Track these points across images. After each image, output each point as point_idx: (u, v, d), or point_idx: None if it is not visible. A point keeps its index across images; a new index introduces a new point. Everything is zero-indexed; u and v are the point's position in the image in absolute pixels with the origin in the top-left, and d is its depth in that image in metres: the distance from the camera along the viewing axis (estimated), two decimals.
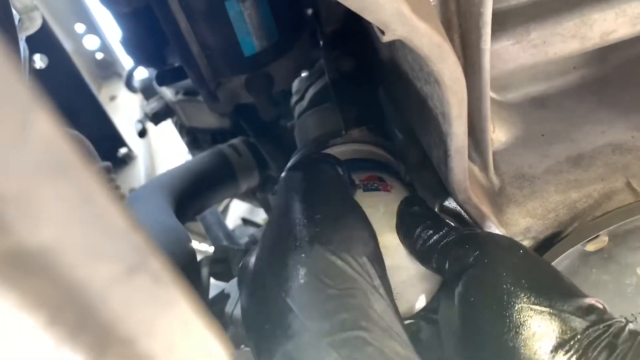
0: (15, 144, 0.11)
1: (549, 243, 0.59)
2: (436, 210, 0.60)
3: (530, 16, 0.56)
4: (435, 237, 0.49)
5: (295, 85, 0.91)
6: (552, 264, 0.59)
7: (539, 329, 0.42)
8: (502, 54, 0.56)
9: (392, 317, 0.39)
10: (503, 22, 0.56)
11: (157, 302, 0.16)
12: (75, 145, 0.12)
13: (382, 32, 0.36)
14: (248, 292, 0.46)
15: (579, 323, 0.42)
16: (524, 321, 0.42)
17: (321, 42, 0.76)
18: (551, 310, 0.42)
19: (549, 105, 0.66)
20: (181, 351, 0.18)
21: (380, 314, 0.39)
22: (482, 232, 0.53)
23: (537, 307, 0.42)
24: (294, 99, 0.90)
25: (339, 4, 0.63)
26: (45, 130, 0.11)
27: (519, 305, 0.42)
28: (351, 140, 0.67)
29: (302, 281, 0.40)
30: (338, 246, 0.41)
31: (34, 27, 0.81)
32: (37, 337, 0.15)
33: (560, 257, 0.59)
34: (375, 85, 0.70)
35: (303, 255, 0.41)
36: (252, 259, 0.47)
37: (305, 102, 0.86)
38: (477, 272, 0.45)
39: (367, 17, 0.35)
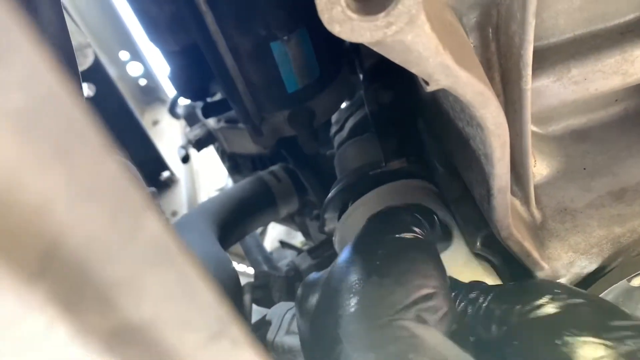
0: (128, 240, 0.13)
1: (593, 278, 0.59)
2: (478, 244, 0.60)
3: (570, 54, 0.56)
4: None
5: (335, 115, 0.93)
6: None
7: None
8: (543, 91, 0.57)
9: (449, 349, 0.39)
10: (543, 60, 0.56)
11: None
12: (178, 238, 0.14)
13: (426, 83, 0.38)
14: (307, 322, 0.47)
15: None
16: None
17: (360, 75, 0.78)
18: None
19: (591, 138, 0.66)
20: None
21: (434, 346, 0.39)
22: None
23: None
24: (334, 129, 0.92)
25: None
26: (153, 229, 0.13)
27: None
28: (393, 174, 0.69)
29: (352, 310, 0.41)
30: (395, 278, 0.42)
31: (87, 63, 0.86)
32: None
33: (604, 292, 0.59)
34: (415, 117, 0.71)
35: (357, 284, 0.42)
36: (313, 292, 0.49)
37: (345, 133, 0.87)
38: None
39: (412, 69, 0.37)
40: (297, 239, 1.64)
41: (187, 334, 0.16)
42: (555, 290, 0.46)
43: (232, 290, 0.79)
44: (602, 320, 0.43)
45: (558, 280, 0.59)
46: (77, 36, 0.87)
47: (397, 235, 0.47)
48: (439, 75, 0.37)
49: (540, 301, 0.45)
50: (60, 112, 0.11)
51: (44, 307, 0.13)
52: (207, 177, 1.72)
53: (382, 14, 0.33)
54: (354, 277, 0.43)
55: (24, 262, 0.12)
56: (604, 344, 0.40)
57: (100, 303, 0.14)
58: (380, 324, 0.39)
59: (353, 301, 0.41)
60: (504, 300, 0.46)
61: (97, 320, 0.14)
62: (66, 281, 0.13)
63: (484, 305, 0.47)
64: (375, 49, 0.35)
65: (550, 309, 0.44)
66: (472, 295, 0.48)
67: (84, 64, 0.83)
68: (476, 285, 0.50)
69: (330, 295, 0.45)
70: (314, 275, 0.55)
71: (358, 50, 0.74)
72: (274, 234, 1.70)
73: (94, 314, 0.14)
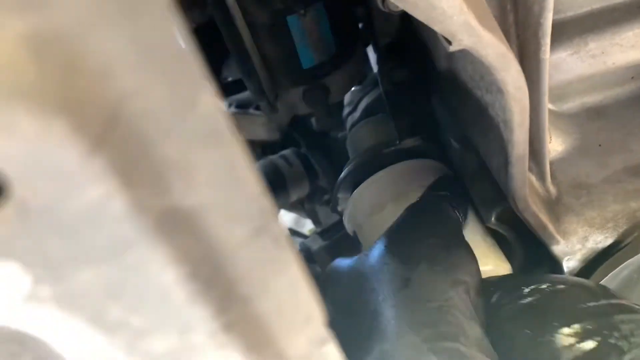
0: (183, 116, 0.14)
1: (608, 253, 0.59)
2: (493, 218, 0.61)
3: (588, 27, 0.56)
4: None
5: (347, 97, 0.93)
6: (611, 274, 0.59)
7: None
8: (560, 64, 0.57)
9: (486, 345, 0.41)
10: (560, 33, 0.57)
11: (274, 263, 0.18)
12: (228, 118, 0.14)
13: (449, 42, 0.38)
14: (338, 297, 0.48)
15: None
16: None
17: (375, 55, 0.78)
18: None
19: (606, 115, 0.66)
20: (287, 314, 0.20)
21: (476, 338, 0.40)
22: None
23: None
24: (346, 110, 0.92)
25: (393, 17, 0.65)
26: (209, 106, 0.14)
27: None
28: (407, 151, 0.69)
29: (404, 291, 0.42)
30: (445, 268, 0.43)
31: None
32: (173, 291, 0.17)
33: (619, 267, 0.59)
34: (429, 95, 0.72)
35: (408, 269, 0.43)
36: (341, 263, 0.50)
37: (357, 114, 0.88)
38: None
39: (435, 27, 0.37)
40: (306, 227, 1.64)
41: (232, 226, 0.16)
42: (541, 280, 0.47)
43: None
44: (575, 305, 0.44)
45: (572, 254, 0.59)
46: None
47: (443, 226, 0.50)
48: (462, 34, 0.37)
49: (524, 291, 0.46)
50: None
51: (104, 176, 0.13)
52: None
53: None
54: (399, 265, 0.44)
55: (91, 124, 0.12)
56: (574, 332, 0.42)
57: (153, 181, 0.14)
58: (432, 306, 0.40)
59: (404, 282, 0.43)
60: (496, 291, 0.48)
61: (149, 199, 0.14)
62: (125, 153, 0.13)
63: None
64: (400, 5, 0.35)
65: (529, 299, 0.46)
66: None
67: None
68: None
69: (367, 282, 0.46)
70: (341, 262, 0.56)
71: (373, 30, 0.74)
72: (283, 221, 1.70)
73: (147, 192, 0.14)
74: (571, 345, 0.40)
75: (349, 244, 1.01)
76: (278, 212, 1.63)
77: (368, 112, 0.85)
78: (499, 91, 0.43)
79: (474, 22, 0.37)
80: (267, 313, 0.20)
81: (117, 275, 0.16)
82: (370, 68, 0.92)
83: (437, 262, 0.44)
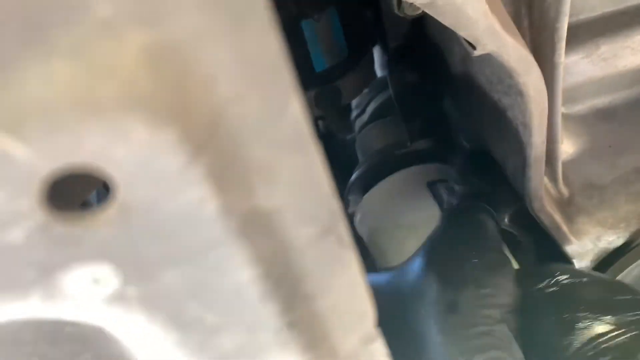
0: (274, 122, 0.14)
1: (620, 252, 0.60)
2: (506, 219, 0.61)
3: (599, 30, 0.57)
4: None
5: (355, 100, 0.94)
6: (623, 272, 0.60)
7: None
8: (572, 67, 0.58)
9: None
10: (572, 37, 0.57)
11: (337, 263, 0.19)
12: (311, 125, 0.15)
13: (473, 47, 0.39)
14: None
15: None
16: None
17: (386, 57, 0.79)
18: None
19: (616, 117, 0.67)
20: (343, 311, 0.20)
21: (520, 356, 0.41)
22: None
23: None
24: (355, 113, 0.93)
25: (404, 20, 0.65)
26: (297, 113, 0.14)
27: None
28: (418, 153, 0.70)
29: (451, 316, 0.43)
30: (491, 291, 0.44)
31: None
32: (246, 290, 0.18)
33: (631, 266, 0.60)
34: (440, 98, 0.72)
35: (454, 292, 0.44)
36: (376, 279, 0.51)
37: (366, 116, 0.88)
38: None
39: (461, 32, 0.38)
40: None
41: (304, 226, 0.17)
42: (561, 271, 0.48)
43: None
44: (605, 297, 0.45)
45: (585, 254, 0.60)
46: None
47: (485, 241, 0.50)
48: (487, 39, 0.38)
49: (546, 282, 0.47)
50: None
51: (201, 181, 0.14)
52: None
53: None
54: (444, 287, 0.45)
55: (195, 132, 0.13)
56: (607, 322, 0.42)
57: (241, 184, 0.15)
58: (480, 331, 0.41)
59: (451, 306, 0.43)
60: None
61: (237, 201, 0.15)
62: (221, 157, 0.14)
63: None
64: (428, 11, 0.36)
65: (554, 287, 0.46)
66: None
67: None
68: None
69: (409, 303, 0.46)
70: (375, 278, 0.56)
71: (383, 32, 0.75)
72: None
73: (235, 194, 0.15)
74: (606, 336, 0.41)
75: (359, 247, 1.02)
76: None
77: (377, 115, 0.86)
78: (519, 94, 0.44)
79: (498, 27, 0.38)
80: (326, 311, 0.20)
81: (198, 275, 0.16)
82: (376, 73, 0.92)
83: (482, 284, 0.45)
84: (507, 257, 0.50)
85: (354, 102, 0.95)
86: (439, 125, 0.72)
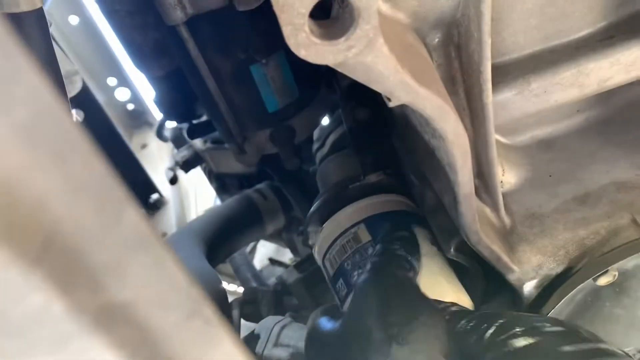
0: (112, 228, 0.16)
1: (561, 279, 0.62)
2: (452, 250, 0.64)
3: (530, 68, 0.60)
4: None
5: (316, 133, 0.96)
6: (565, 298, 0.62)
7: None
8: (506, 103, 0.60)
9: None
10: (505, 74, 0.60)
11: (208, 341, 0.20)
12: (153, 227, 0.17)
13: (389, 99, 0.41)
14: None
15: None
16: None
17: (338, 94, 0.81)
18: None
19: (556, 146, 0.70)
20: None
21: None
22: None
23: None
24: (315, 145, 0.95)
25: None
26: (133, 218, 0.16)
27: None
28: (371, 186, 0.72)
29: None
30: (415, 346, 0.46)
31: (75, 89, 0.89)
32: None
33: (573, 291, 0.62)
34: (390, 132, 0.75)
35: (382, 356, 0.46)
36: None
37: (326, 149, 0.91)
38: None
39: (374, 87, 0.40)
40: (287, 256, 1.66)
41: (165, 313, 0.19)
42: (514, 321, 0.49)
43: (220, 306, 0.81)
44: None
45: (528, 282, 0.62)
46: (65, 64, 0.90)
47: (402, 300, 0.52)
48: (400, 92, 0.41)
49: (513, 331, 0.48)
50: (57, 123, 0.14)
51: (42, 287, 0.16)
52: (195, 199, 1.75)
53: (343, 39, 0.36)
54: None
55: (27, 249, 0.15)
56: None
57: (89, 284, 0.17)
58: None
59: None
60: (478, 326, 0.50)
61: (87, 299, 0.17)
62: (61, 265, 0.16)
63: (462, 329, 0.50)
64: (339, 69, 0.39)
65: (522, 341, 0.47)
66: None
67: (72, 90, 0.86)
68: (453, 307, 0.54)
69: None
70: (324, 325, 0.58)
71: (334, 71, 0.78)
72: (264, 251, 1.72)
73: (84, 294, 0.17)
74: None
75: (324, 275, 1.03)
76: (256, 243, 1.66)
77: (336, 147, 0.89)
78: (441, 138, 0.46)
79: (409, 81, 0.40)
80: None
81: None
82: (337, 105, 0.95)
83: (406, 339, 0.47)
84: (422, 310, 0.52)
85: (315, 135, 0.97)
86: (389, 160, 0.75)
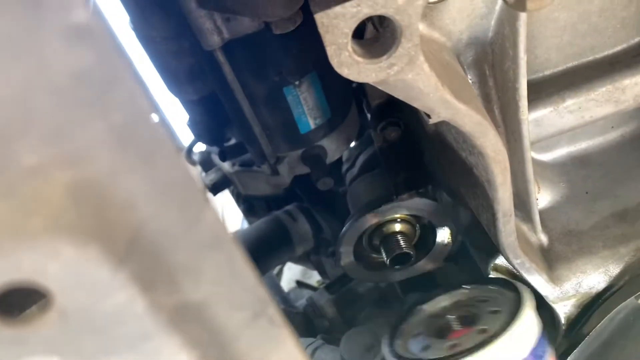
0: (190, 230, 0.17)
1: (601, 297, 0.61)
2: (490, 269, 0.63)
3: (564, 85, 0.60)
4: None
5: (346, 154, 0.97)
6: (606, 317, 0.61)
7: None
8: (541, 120, 0.60)
9: None
10: (539, 91, 0.60)
11: (272, 341, 0.21)
12: (227, 227, 0.18)
13: (429, 116, 0.42)
14: None
15: None
16: None
17: (368, 115, 0.82)
18: None
19: (591, 163, 0.70)
20: None
21: None
22: None
23: None
24: (345, 166, 0.96)
25: None
26: (211, 220, 0.17)
27: None
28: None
29: None
30: None
31: None
32: None
33: (614, 311, 0.61)
34: (421, 151, 0.75)
35: None
36: None
37: (355, 170, 0.91)
38: None
39: (414, 104, 0.41)
40: (314, 278, 1.66)
41: (234, 313, 0.19)
42: None
43: None
44: None
45: (567, 300, 0.61)
46: None
47: None
48: (440, 108, 0.41)
49: None
50: (148, 127, 0.15)
51: (127, 285, 0.16)
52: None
53: (385, 57, 0.37)
54: None
55: (116, 248, 0.16)
56: None
57: (168, 284, 0.17)
58: None
59: None
60: None
61: (165, 298, 0.17)
62: (145, 264, 0.17)
63: None
64: (380, 87, 0.39)
65: None
66: None
67: None
68: None
69: None
70: None
71: (364, 91, 0.79)
72: (290, 274, 1.72)
73: (162, 293, 0.17)
74: None
75: (355, 297, 1.03)
76: (283, 266, 1.66)
77: (365, 168, 0.89)
78: (480, 154, 0.46)
79: (449, 97, 0.40)
80: None
81: None
82: (366, 125, 0.96)
83: None
84: None
85: (344, 156, 0.98)
86: (421, 179, 0.75)
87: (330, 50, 0.36)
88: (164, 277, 0.17)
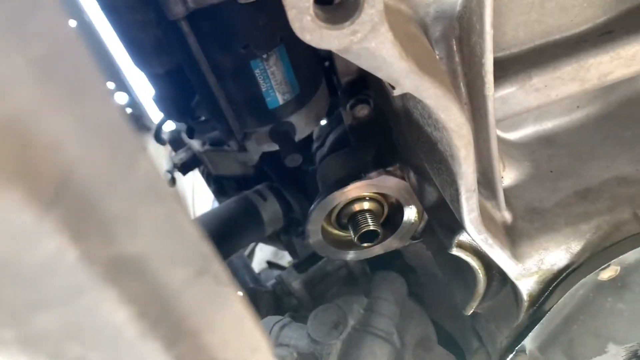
0: (126, 176, 0.16)
1: (563, 273, 0.62)
2: (454, 245, 0.63)
3: (531, 63, 0.60)
4: None
5: (316, 132, 0.96)
6: (567, 294, 0.62)
7: None
8: (507, 98, 0.61)
9: None
10: (506, 69, 0.61)
11: (218, 300, 0.20)
12: (164, 178, 0.17)
13: (393, 87, 0.41)
14: None
15: None
16: None
17: (338, 91, 0.81)
18: None
19: (557, 142, 0.70)
20: (234, 345, 0.22)
21: None
22: None
23: None
24: (315, 145, 0.95)
25: None
26: (146, 168, 0.16)
27: None
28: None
29: None
30: None
31: None
32: (125, 329, 0.19)
33: (575, 287, 0.62)
34: (390, 129, 0.75)
35: None
36: None
37: (325, 148, 0.91)
38: None
39: (378, 74, 0.40)
40: (285, 259, 1.66)
41: (175, 269, 0.19)
42: None
43: None
44: None
45: (529, 277, 0.62)
46: None
47: None
48: (404, 79, 0.41)
49: None
50: (74, 60, 0.14)
51: (56, 233, 0.16)
52: (193, 202, 1.74)
53: (348, 23, 0.36)
54: None
55: (41, 191, 0.15)
56: None
57: (101, 234, 0.17)
58: None
59: None
60: None
61: (99, 249, 0.17)
62: (75, 211, 0.16)
63: None
64: (344, 55, 0.39)
65: None
66: None
67: None
68: None
69: None
70: None
71: (334, 68, 0.78)
72: (262, 255, 1.71)
73: (96, 244, 0.17)
74: None
75: (324, 275, 1.03)
76: (254, 246, 1.65)
77: (335, 146, 0.88)
78: (444, 129, 0.46)
79: (413, 68, 0.40)
80: (215, 345, 0.22)
81: (73, 317, 0.18)
82: (337, 103, 0.95)
83: None
84: None
85: (314, 134, 0.98)
86: (390, 157, 0.75)
87: (291, 14, 0.35)
88: (97, 227, 0.16)
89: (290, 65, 0.69)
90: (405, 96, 0.58)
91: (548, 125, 0.71)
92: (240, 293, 0.21)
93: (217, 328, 0.21)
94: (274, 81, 0.69)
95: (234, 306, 0.21)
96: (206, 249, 0.19)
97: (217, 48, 0.65)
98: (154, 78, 0.83)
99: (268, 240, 1.36)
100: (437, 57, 0.55)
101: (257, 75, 0.67)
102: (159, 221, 0.17)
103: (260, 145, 0.76)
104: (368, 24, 0.37)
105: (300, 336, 0.83)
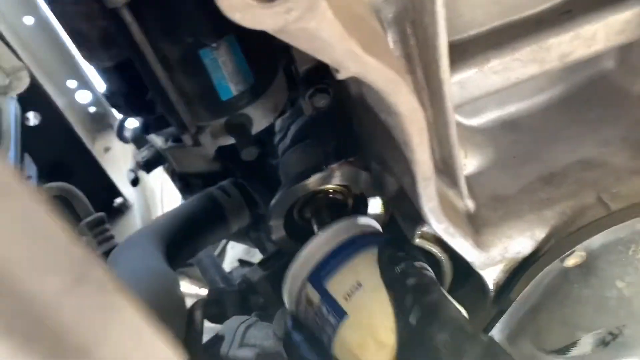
0: None
1: (528, 261, 0.60)
2: (416, 236, 0.61)
3: (489, 44, 0.58)
4: None
5: (278, 124, 0.93)
6: (533, 282, 0.61)
7: None
8: (466, 82, 0.58)
9: None
10: (463, 52, 0.58)
11: (105, 310, 0.17)
12: (15, 170, 0.14)
13: (337, 71, 0.39)
14: None
15: None
16: None
17: (297, 81, 0.79)
18: None
19: (520, 127, 0.69)
20: (134, 358, 0.19)
21: None
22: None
23: None
24: (277, 137, 0.92)
25: None
26: None
27: None
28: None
29: None
30: None
31: (22, 85, 0.85)
32: None
33: (540, 274, 0.60)
34: (350, 118, 0.73)
35: None
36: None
37: (287, 140, 0.88)
38: None
39: (321, 57, 0.38)
40: (257, 257, 1.63)
41: (46, 277, 0.16)
42: None
43: (174, 307, 0.77)
44: None
45: (494, 266, 0.60)
46: (10, 60, 0.86)
47: None
48: (348, 62, 0.38)
49: None
50: None
51: None
52: (162, 201, 1.70)
53: (281, 0, 0.33)
54: None
55: None
56: None
57: None
58: None
59: None
60: None
61: None
62: None
63: None
64: (281, 37, 0.36)
65: None
66: None
67: (20, 86, 0.82)
68: None
69: None
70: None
71: (292, 56, 0.75)
72: (233, 253, 1.68)
73: None
74: None
75: None
76: (225, 245, 1.61)
77: (297, 138, 0.86)
78: (395, 114, 0.44)
79: (357, 49, 0.37)
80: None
81: None
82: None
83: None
84: None
85: (277, 126, 0.95)
86: (352, 147, 0.72)
87: None
88: None
89: (242, 54, 0.66)
90: (359, 82, 0.55)
91: (511, 109, 0.69)
92: (135, 299, 0.18)
93: (109, 342, 0.18)
94: (225, 71, 0.66)
95: (126, 315, 0.18)
96: (82, 254, 0.16)
97: (163, 37, 0.61)
98: (104, 72, 0.79)
99: (238, 237, 1.33)
100: (392, 41, 0.53)
101: (207, 65, 0.64)
102: (12, 222, 0.15)
103: (216, 139, 0.73)
104: (304, 2, 0.34)
105: (267, 335, 0.80)
